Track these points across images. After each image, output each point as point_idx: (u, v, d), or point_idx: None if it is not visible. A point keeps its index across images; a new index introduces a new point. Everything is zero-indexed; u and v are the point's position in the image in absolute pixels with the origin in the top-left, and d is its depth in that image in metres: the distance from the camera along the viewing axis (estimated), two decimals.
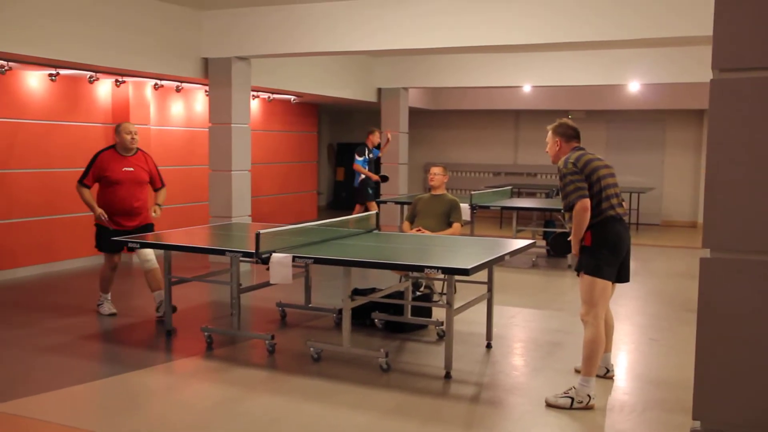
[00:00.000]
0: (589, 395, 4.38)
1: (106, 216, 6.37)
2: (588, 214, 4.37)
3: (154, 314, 6.58)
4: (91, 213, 6.49)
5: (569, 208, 4.43)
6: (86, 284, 7.72)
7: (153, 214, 6.59)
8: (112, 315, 6.54)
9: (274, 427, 4.10)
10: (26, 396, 4.51)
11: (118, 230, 6.39)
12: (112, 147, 6.55)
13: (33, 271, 8.59)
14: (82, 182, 6.44)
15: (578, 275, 4.52)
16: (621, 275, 4.59)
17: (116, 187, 6.40)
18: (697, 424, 2.62)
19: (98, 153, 6.53)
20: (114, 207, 6.43)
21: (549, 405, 4.42)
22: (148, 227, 6.60)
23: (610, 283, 4.46)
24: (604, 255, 4.40)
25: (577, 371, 4.86)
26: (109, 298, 6.65)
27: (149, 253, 6.49)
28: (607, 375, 4.93)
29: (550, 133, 4.74)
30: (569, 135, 4.66)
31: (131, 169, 6.47)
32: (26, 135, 8.51)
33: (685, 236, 13.21)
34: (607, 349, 4.91)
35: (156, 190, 6.73)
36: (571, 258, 9.69)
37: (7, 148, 8.29)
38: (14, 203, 8.38)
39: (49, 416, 4.20)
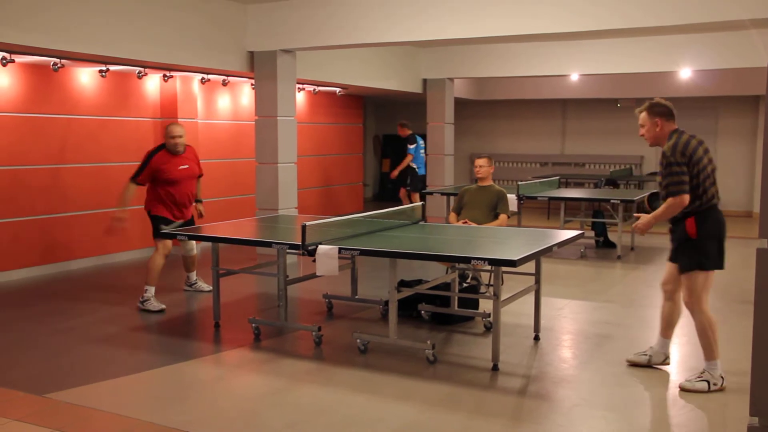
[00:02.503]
0: (721, 376, 4.43)
1: (123, 223, 6.68)
2: (681, 210, 4.38)
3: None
4: (137, 207, 6.79)
5: (666, 197, 4.40)
6: (137, 276, 7.86)
7: (199, 214, 7.06)
8: (161, 312, 6.51)
9: (321, 418, 4.12)
10: (81, 385, 4.61)
11: (174, 221, 6.77)
12: (163, 147, 6.75)
13: (87, 263, 8.79)
14: (136, 180, 6.69)
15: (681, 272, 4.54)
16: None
17: (176, 185, 6.73)
18: (755, 420, 2.54)
19: (151, 154, 6.71)
20: (176, 202, 6.78)
21: (685, 390, 4.44)
22: (192, 220, 7.01)
23: (713, 272, 4.47)
24: (710, 246, 4.41)
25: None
26: (154, 293, 6.62)
27: (194, 244, 7.21)
28: (665, 362, 4.90)
29: (644, 115, 4.61)
30: (668, 114, 4.57)
31: (186, 166, 6.80)
32: (79, 130, 8.70)
33: (740, 226, 12.87)
34: (669, 335, 4.89)
35: (198, 177, 7.07)
36: (621, 249, 9.54)
37: (60, 144, 8.49)
38: (68, 197, 8.58)
39: (103, 405, 4.29)
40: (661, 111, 4.55)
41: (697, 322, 4.49)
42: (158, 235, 6.66)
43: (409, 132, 12.36)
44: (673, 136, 4.48)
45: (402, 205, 11.55)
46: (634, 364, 4.94)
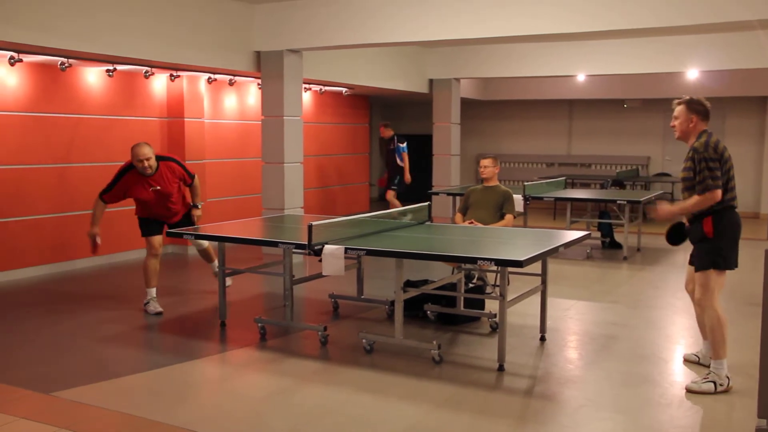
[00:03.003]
0: (727, 377, 4.46)
1: (97, 241, 6.50)
2: (712, 205, 4.42)
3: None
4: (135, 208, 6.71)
5: (700, 191, 4.41)
6: (143, 275, 7.86)
7: (195, 218, 6.77)
8: (158, 314, 6.42)
9: (327, 418, 4.12)
10: (87, 384, 4.63)
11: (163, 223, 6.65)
12: (134, 167, 6.36)
13: (93, 262, 8.81)
14: (102, 197, 6.46)
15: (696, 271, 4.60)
16: None
17: (150, 203, 6.52)
18: (763, 422, 2.53)
19: (122, 172, 6.43)
20: (156, 215, 6.62)
21: (692, 391, 4.46)
22: (189, 217, 6.79)
23: (725, 270, 4.52)
24: (725, 245, 4.47)
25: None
26: (155, 295, 6.55)
27: (203, 240, 6.80)
28: (701, 362, 4.99)
29: (682, 108, 4.64)
30: (704, 114, 4.62)
31: (158, 187, 6.43)
32: (86, 130, 8.73)
33: (747, 227, 12.75)
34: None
35: (188, 185, 6.73)
36: (627, 250, 9.51)
37: (68, 143, 8.52)
38: (75, 197, 8.59)
39: (109, 404, 4.30)
40: (698, 109, 4.61)
41: (708, 320, 4.54)
42: (145, 234, 6.58)
43: (392, 132, 12.08)
44: (702, 135, 4.57)
45: (390, 207, 11.50)
46: (687, 361, 5.12)
